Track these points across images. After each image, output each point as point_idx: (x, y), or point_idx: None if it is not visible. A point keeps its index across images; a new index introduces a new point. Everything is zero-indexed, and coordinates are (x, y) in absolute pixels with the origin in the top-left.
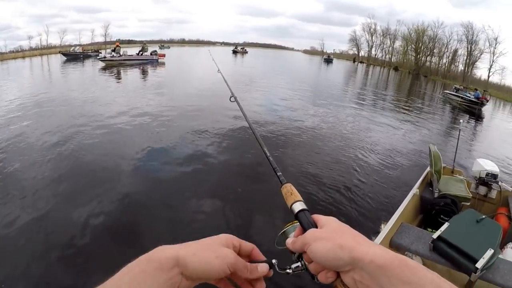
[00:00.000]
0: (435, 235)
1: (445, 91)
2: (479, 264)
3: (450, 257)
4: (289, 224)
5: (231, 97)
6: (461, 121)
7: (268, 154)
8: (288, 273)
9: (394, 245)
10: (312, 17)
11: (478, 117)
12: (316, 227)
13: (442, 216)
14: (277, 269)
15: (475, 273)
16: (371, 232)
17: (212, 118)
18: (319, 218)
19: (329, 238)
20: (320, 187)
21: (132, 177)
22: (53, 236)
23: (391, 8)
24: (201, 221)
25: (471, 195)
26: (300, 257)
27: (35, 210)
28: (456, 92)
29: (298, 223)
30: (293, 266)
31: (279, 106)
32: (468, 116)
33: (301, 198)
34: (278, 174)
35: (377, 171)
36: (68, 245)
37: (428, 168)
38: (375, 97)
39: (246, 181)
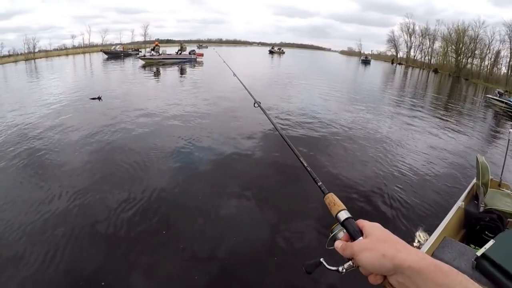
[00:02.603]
0: (479, 253)
1: (487, 95)
2: None
3: (494, 277)
4: (334, 225)
5: (254, 103)
6: (510, 130)
7: (306, 165)
8: (339, 271)
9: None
10: (348, 17)
11: None
12: (362, 233)
13: (487, 232)
14: (327, 266)
15: None
16: (411, 245)
17: (248, 122)
18: (363, 224)
19: (374, 248)
20: (359, 194)
21: (168, 170)
22: (89, 221)
23: (430, 7)
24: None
25: None
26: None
27: (72, 194)
28: (499, 97)
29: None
30: (346, 265)
31: (316, 108)
32: None
33: (344, 207)
34: (319, 184)
35: (418, 180)
36: (100, 229)
37: (475, 180)
38: (415, 101)
39: (284, 184)
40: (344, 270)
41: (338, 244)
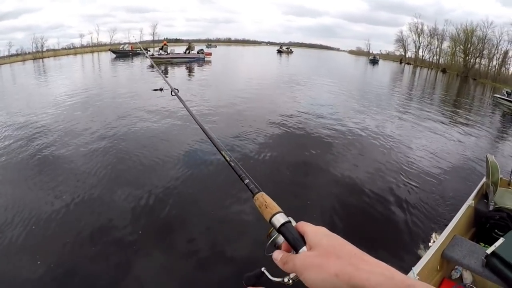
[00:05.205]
0: (489, 251)
1: (495, 95)
2: None
3: (503, 275)
4: (271, 229)
5: (171, 91)
6: None
7: (229, 159)
8: (285, 282)
9: (445, 257)
10: (357, 17)
11: None
12: (304, 241)
13: (496, 230)
14: (270, 277)
15: None
16: (421, 243)
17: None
18: (305, 229)
19: (323, 266)
20: (368, 194)
21: (166, 171)
22: (96, 221)
23: (439, 7)
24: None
25: None
26: None
27: (81, 194)
28: (507, 96)
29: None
30: (292, 275)
31: (321, 108)
32: None
33: (279, 209)
34: (245, 182)
35: (428, 179)
36: (109, 230)
37: (484, 179)
38: (422, 101)
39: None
40: (290, 281)
41: (277, 256)
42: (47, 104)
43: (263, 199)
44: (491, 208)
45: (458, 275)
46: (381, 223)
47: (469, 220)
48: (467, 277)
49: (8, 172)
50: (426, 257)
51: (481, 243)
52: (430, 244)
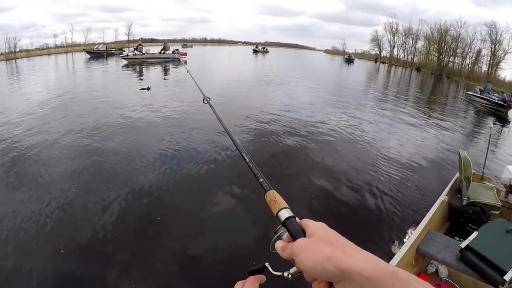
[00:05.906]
0: (463, 244)
1: (468, 92)
2: (507, 277)
3: (478, 268)
4: (278, 226)
5: (204, 99)
6: (491, 125)
7: (248, 160)
8: (285, 276)
9: (420, 253)
10: (333, 17)
11: (505, 120)
12: (305, 234)
13: (470, 224)
14: (272, 272)
15: (503, 285)
16: (396, 239)
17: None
18: (307, 224)
19: (317, 250)
20: (343, 193)
21: (147, 172)
22: (76, 226)
23: (414, 7)
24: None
25: (501, 204)
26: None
27: (58, 200)
28: (480, 93)
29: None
30: (292, 270)
31: (297, 108)
32: (494, 119)
33: (286, 205)
34: (260, 180)
35: (402, 176)
36: (89, 235)
37: (457, 174)
38: (397, 99)
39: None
40: (290, 276)
41: (278, 244)
42: (25, 108)
43: (273, 195)
44: (464, 202)
45: (434, 269)
46: (356, 221)
47: (443, 215)
48: (443, 271)
49: None
50: (401, 252)
51: (455, 237)
52: (405, 240)
